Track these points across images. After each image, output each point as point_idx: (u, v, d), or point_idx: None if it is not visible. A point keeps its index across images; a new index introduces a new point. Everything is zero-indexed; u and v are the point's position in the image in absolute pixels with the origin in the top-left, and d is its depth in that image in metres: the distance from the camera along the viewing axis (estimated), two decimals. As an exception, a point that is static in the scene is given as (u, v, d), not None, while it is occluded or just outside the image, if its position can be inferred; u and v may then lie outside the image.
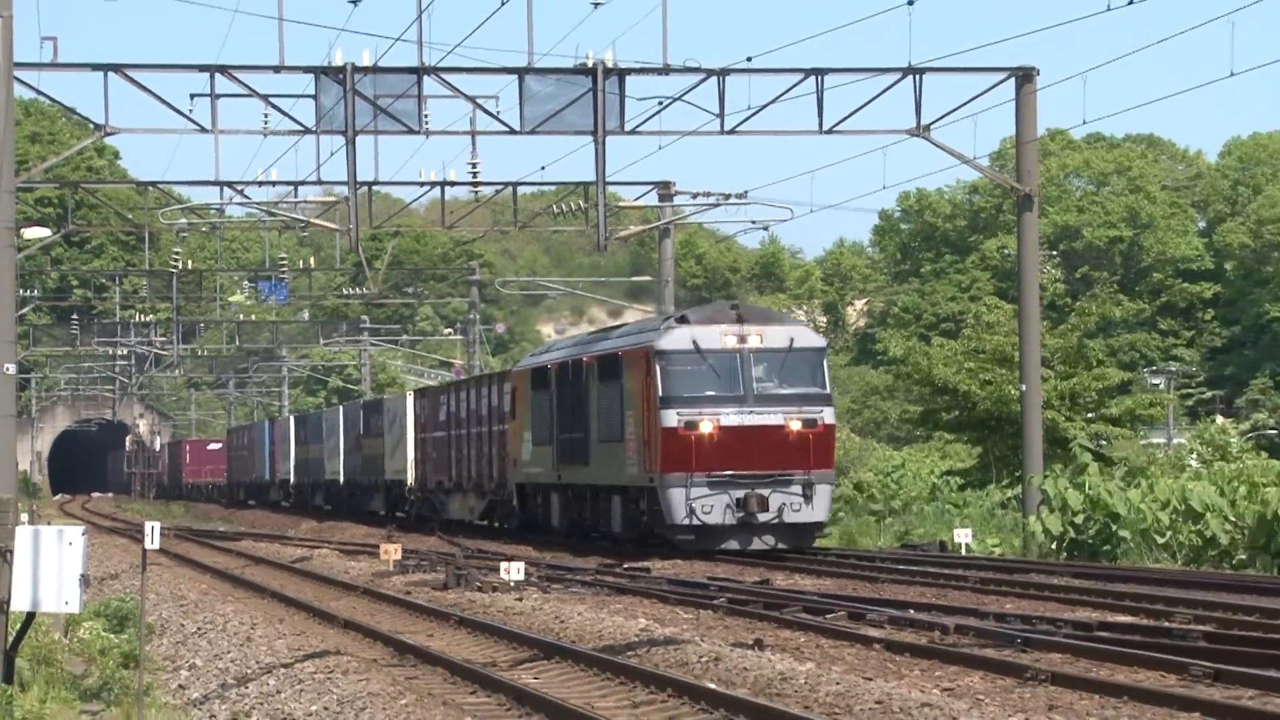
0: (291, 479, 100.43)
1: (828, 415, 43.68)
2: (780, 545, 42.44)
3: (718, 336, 43.15)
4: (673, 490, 42.25)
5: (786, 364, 43.59)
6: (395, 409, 75.48)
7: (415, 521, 69.37)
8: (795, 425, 42.74)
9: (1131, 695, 19.60)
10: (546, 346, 63.24)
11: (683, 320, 44.12)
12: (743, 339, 43.07)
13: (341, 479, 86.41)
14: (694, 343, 42.83)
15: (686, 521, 42.03)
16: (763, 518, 42.14)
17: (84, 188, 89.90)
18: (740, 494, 42.12)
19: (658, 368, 42.94)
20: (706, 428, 42.41)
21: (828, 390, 44.32)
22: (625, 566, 41.12)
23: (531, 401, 53.32)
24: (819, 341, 45.59)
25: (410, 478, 71.18)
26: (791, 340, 43.81)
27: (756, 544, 42.36)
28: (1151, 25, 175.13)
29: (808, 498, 42.42)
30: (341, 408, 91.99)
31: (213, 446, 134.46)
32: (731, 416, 42.61)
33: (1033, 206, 43.80)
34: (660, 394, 42.70)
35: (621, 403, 45.40)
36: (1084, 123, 67.97)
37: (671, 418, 42.48)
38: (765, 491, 42.14)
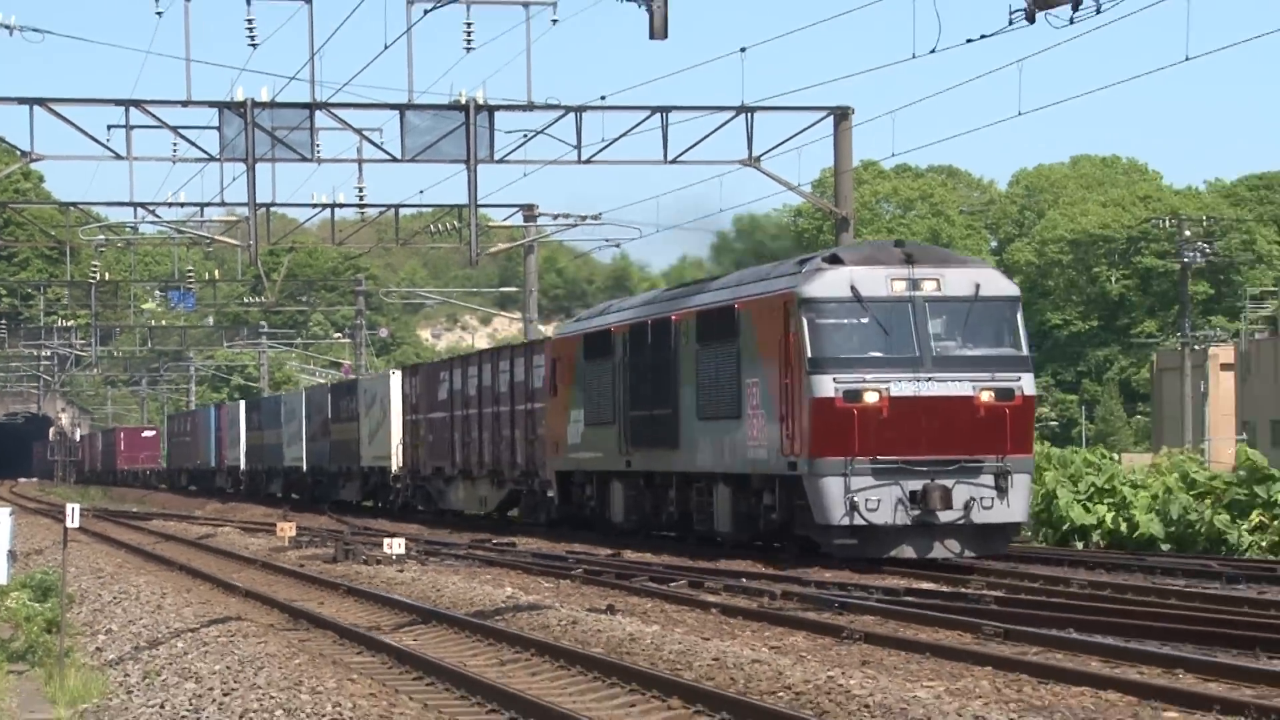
0: (242, 465, 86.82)
1: (1027, 384, 31.27)
2: (967, 553, 30.77)
3: (883, 281, 30.95)
4: (827, 480, 29.90)
5: (973, 317, 31.43)
6: (375, 390, 62.19)
7: (401, 511, 58.49)
8: (986, 396, 30.73)
9: (933, 652, 19.75)
10: (600, 309, 44.53)
11: (834, 260, 31.44)
12: (915, 284, 31.14)
13: (304, 465, 72.81)
14: (853, 289, 30.64)
15: (845, 521, 29.75)
16: (945, 517, 30.14)
17: (11, 207, 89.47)
18: (916, 486, 30.17)
19: (805, 321, 30.56)
20: (872, 399, 30.17)
21: (1025, 351, 31.77)
22: (494, 542, 41.02)
23: (583, 374, 40.58)
24: (1012, 289, 32.69)
25: (395, 464, 58.62)
26: (978, 287, 31.59)
27: (938, 551, 30.49)
28: (952, 70, 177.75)
29: (1002, 491, 30.47)
30: (304, 392, 78.96)
31: (146, 434, 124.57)
32: (904, 385, 30.50)
33: (849, 228, 44.06)
34: (810, 355, 30.28)
35: (738, 368, 32.82)
36: (893, 155, 69.11)
37: (826, 385, 30.14)
38: (948, 483, 30.21)
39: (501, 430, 48.61)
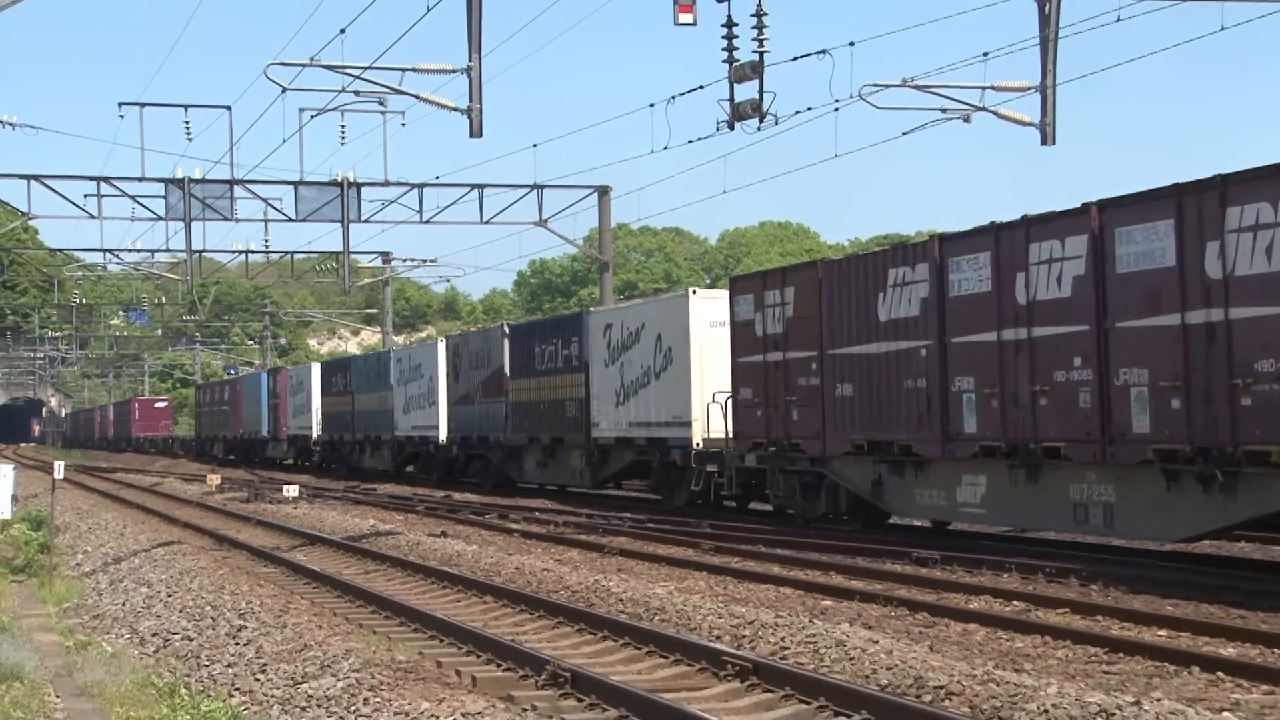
0: (315, 435, 54.69)
1: None
2: None
3: None
4: None
5: None
6: (639, 322, 29.85)
7: (709, 509, 27.48)
8: None
9: (667, 562, 19.88)
10: None
11: None
12: None
13: (442, 436, 40.99)
14: None
15: None
16: None
17: (14, 253, 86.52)
18: None
19: None
20: None
21: None
22: (363, 488, 40.49)
23: None
24: None
25: (699, 435, 27.24)
26: None
27: None
28: (679, 160, 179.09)
29: None
30: (442, 341, 43.07)
31: (159, 404, 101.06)
32: None
33: (609, 269, 44.20)
34: None
35: None
36: (639, 219, 69.33)
37: None
38: None
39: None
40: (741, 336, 24.84)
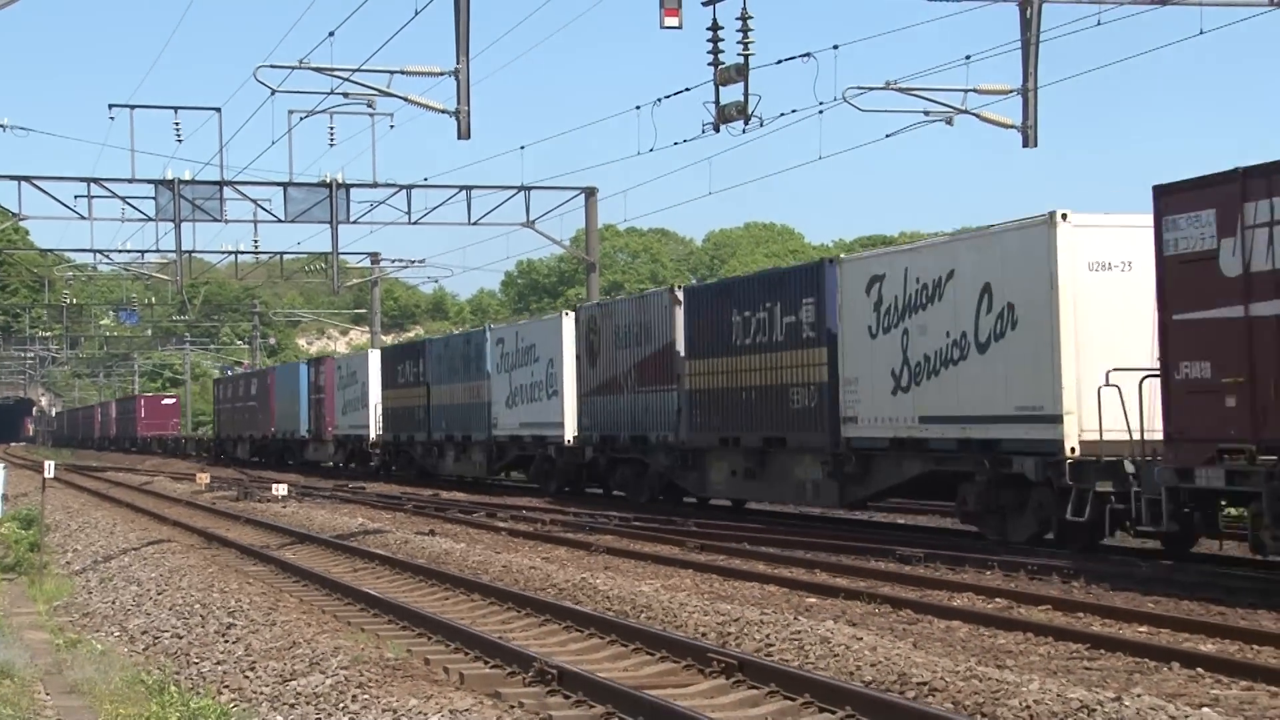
0: (374, 435, 46.05)
1: None
2: None
3: None
4: None
5: None
6: (940, 266, 20.14)
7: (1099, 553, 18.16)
8: None
9: (653, 559, 19.88)
10: None
11: None
12: None
13: (568, 436, 32.56)
14: None
15: None
16: None
17: (4, 253, 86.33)
18: None
19: None
20: None
21: None
22: (351, 487, 40.42)
23: None
24: None
25: (1077, 435, 17.83)
26: None
27: None
28: (665, 161, 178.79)
29: None
30: (569, 315, 33.17)
31: (166, 401, 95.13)
32: None
33: (595, 270, 44.15)
34: None
35: None
36: (625, 220, 69.55)
37: None
38: None
39: None
40: (1185, 278, 15.11)
